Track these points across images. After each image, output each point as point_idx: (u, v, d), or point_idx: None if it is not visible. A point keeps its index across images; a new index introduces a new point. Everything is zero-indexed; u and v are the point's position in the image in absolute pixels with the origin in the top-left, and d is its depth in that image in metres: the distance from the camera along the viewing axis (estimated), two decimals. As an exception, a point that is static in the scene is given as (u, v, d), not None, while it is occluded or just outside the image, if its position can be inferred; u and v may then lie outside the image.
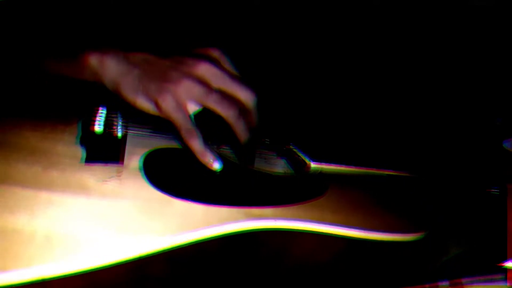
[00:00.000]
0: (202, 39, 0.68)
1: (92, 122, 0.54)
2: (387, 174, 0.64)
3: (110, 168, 0.49)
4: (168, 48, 0.55)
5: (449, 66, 0.77)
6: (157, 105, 0.52)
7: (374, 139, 0.71)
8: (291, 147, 0.67)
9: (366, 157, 0.66)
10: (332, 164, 0.63)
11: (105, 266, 0.39)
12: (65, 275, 0.37)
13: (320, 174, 0.61)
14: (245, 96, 0.55)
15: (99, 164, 0.49)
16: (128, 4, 0.68)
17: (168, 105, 0.51)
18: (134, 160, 0.52)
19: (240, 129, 0.55)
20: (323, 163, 0.62)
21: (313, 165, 0.62)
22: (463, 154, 0.69)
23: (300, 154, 0.64)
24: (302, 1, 0.76)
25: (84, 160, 0.49)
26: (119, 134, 0.55)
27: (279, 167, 0.64)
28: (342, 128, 0.72)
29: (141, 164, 0.52)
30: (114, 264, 0.39)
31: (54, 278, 0.36)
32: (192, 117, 0.54)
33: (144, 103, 0.53)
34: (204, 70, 0.53)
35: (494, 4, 0.75)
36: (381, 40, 0.77)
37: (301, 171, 0.62)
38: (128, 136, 0.57)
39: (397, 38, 0.76)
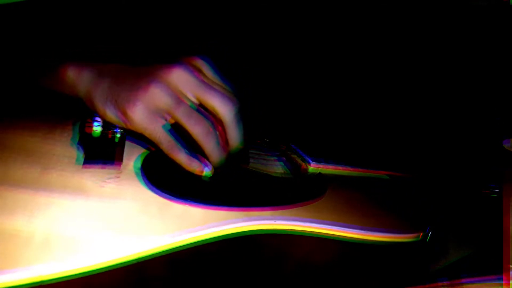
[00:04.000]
0: (196, 41, 0.67)
1: (90, 124, 0.54)
2: (386, 175, 0.64)
3: (108, 170, 0.49)
4: (150, 56, 0.53)
5: (448, 66, 0.77)
6: (127, 117, 0.49)
7: (373, 140, 0.71)
8: (290, 148, 0.67)
9: (365, 158, 0.66)
10: (331, 165, 0.63)
11: (103, 267, 0.39)
12: (63, 276, 0.37)
13: (319, 175, 0.61)
14: (221, 107, 0.49)
15: (98, 165, 0.49)
16: (112, 12, 0.66)
17: (138, 117, 0.48)
18: (132, 161, 0.52)
19: (210, 148, 0.50)
20: (322, 164, 0.62)
21: (312, 166, 0.62)
22: (463, 154, 0.69)
23: (299, 155, 0.64)
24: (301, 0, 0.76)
25: (82, 161, 0.49)
26: (117, 136, 0.55)
27: (278, 168, 0.65)
28: (341, 129, 0.72)
29: (140, 166, 0.52)
30: (113, 265, 0.39)
31: (52, 279, 0.37)
32: (168, 125, 0.50)
33: (112, 115, 0.50)
34: (176, 76, 0.49)
35: (494, 4, 0.75)
36: (380, 40, 0.77)
37: (300, 172, 0.62)
38: (126, 137, 0.57)
39: (396, 38, 0.76)
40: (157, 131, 0.49)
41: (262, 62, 0.72)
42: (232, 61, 0.55)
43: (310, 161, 0.62)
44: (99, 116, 0.51)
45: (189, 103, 0.50)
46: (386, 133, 0.72)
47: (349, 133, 0.72)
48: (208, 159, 0.51)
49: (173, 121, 0.50)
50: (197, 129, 0.49)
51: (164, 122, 0.50)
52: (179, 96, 0.49)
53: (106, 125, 0.54)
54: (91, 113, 0.53)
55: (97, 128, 0.54)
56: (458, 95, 0.76)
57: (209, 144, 0.50)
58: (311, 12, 0.76)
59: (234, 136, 0.51)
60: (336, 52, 0.76)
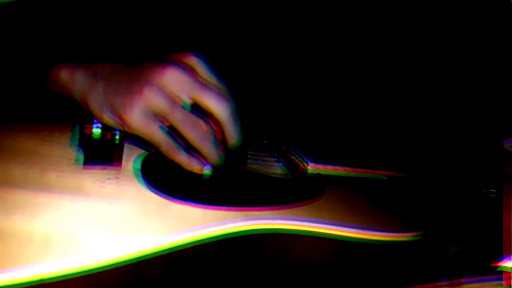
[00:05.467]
0: (191, 39, 0.66)
1: (90, 125, 0.54)
2: (385, 175, 0.64)
3: (108, 171, 0.49)
4: (143, 54, 0.52)
5: (448, 66, 0.76)
6: (124, 122, 0.49)
7: (372, 140, 0.71)
8: (289, 148, 0.67)
9: (364, 158, 0.66)
10: (330, 166, 0.63)
11: (103, 267, 0.39)
12: (63, 275, 0.37)
13: (318, 175, 0.61)
14: (216, 106, 0.48)
15: (97, 166, 0.49)
16: (105, 8, 0.65)
17: (135, 122, 0.48)
18: (131, 162, 0.52)
19: (206, 151, 0.50)
20: (321, 165, 0.62)
21: (311, 166, 0.62)
22: (463, 154, 0.69)
23: (298, 156, 0.64)
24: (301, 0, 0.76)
25: (82, 162, 0.49)
26: (117, 137, 0.55)
27: (277, 168, 0.65)
28: (340, 129, 0.72)
29: (139, 166, 0.52)
30: (112, 264, 0.39)
31: (52, 278, 0.37)
32: (165, 127, 0.50)
33: (110, 120, 0.50)
34: (169, 77, 0.48)
35: (494, 4, 0.74)
36: (380, 40, 0.77)
37: (299, 172, 0.62)
38: (125, 138, 0.57)
39: (396, 38, 0.76)
40: (155, 135, 0.49)
41: (259, 61, 0.72)
42: (229, 60, 0.55)
43: (309, 161, 0.62)
44: (97, 119, 0.52)
45: (183, 105, 0.49)
46: (385, 133, 0.72)
47: (348, 133, 0.71)
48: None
49: (169, 124, 0.51)
50: (192, 134, 0.49)
51: (161, 124, 0.50)
52: (173, 99, 0.48)
53: (106, 126, 0.55)
54: (90, 115, 0.54)
55: (96, 129, 0.54)
56: (458, 94, 0.76)
57: (205, 147, 0.50)
58: (310, 12, 0.76)
59: (231, 135, 0.51)
60: (335, 52, 0.76)
